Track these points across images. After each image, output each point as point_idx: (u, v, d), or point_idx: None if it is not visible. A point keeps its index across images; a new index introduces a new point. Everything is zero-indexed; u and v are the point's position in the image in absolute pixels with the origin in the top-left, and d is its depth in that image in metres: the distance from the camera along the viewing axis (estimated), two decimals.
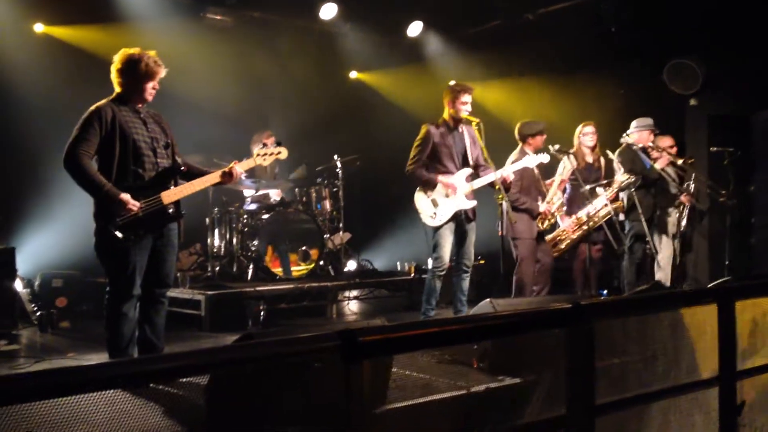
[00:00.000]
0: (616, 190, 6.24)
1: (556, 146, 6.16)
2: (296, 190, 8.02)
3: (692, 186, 6.82)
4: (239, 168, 4.31)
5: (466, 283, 5.73)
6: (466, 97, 5.65)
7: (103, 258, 4.05)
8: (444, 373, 3.85)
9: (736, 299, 3.26)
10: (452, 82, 5.81)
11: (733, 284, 3.58)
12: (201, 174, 4.27)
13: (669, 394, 3.01)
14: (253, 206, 7.66)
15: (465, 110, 5.62)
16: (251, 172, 7.97)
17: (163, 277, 4.19)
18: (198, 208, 7.71)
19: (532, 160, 5.85)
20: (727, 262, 6.81)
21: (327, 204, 7.99)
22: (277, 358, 2.16)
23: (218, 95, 8.30)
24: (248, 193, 7.78)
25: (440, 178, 5.59)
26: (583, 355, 2.66)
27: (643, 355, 2.97)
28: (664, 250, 6.69)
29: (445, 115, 5.73)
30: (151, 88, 4.13)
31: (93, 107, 4.04)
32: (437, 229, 5.61)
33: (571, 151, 6.48)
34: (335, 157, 8.00)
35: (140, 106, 4.18)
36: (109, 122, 3.97)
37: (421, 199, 5.69)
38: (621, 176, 6.27)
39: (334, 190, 8.00)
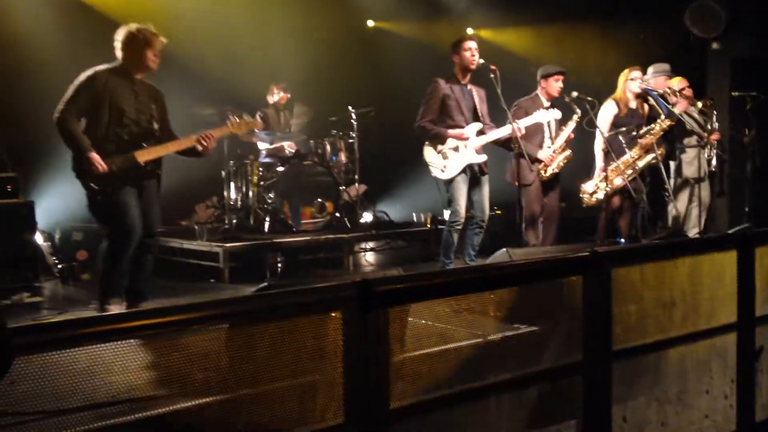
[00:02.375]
0: (653, 136, 6.02)
1: (574, 93, 6.01)
2: (311, 142, 7.98)
3: (716, 125, 6.58)
4: (214, 134, 4.59)
5: (478, 238, 5.70)
6: (469, 44, 5.54)
7: (98, 212, 4.43)
8: (461, 322, 3.87)
9: (756, 246, 3.24)
10: (460, 35, 5.72)
11: (753, 231, 3.53)
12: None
13: (687, 340, 3.02)
14: (267, 159, 7.65)
15: (473, 59, 5.52)
16: (266, 125, 7.94)
17: (149, 226, 4.51)
18: (213, 162, 7.72)
19: (545, 116, 5.73)
20: (746, 209, 6.73)
21: (342, 156, 7.95)
22: (295, 307, 2.18)
23: (232, 46, 8.22)
24: (263, 146, 7.75)
25: (449, 131, 5.51)
26: (600, 302, 2.66)
27: (661, 302, 2.96)
28: (682, 197, 6.56)
29: (455, 68, 5.65)
30: (152, 57, 4.44)
31: (89, 72, 4.37)
32: (449, 182, 5.56)
33: (614, 96, 6.29)
34: (350, 108, 7.92)
35: (140, 76, 4.49)
36: (101, 90, 4.33)
37: (430, 152, 5.62)
38: (660, 122, 6.07)
39: (350, 141, 7.94)
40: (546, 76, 6.04)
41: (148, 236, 4.51)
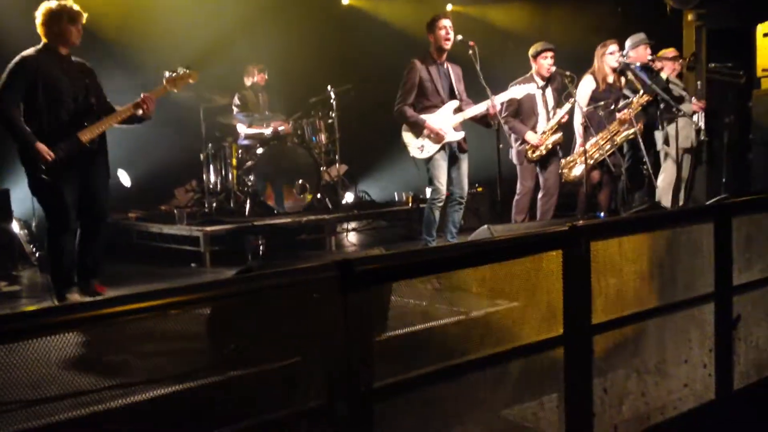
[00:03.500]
0: (631, 111, 6.02)
1: (553, 68, 6.01)
2: (291, 122, 7.93)
3: (697, 95, 6.55)
4: (152, 96, 4.53)
5: (458, 215, 5.74)
6: (443, 22, 5.51)
7: (38, 197, 4.40)
8: (443, 299, 3.89)
9: (733, 216, 3.27)
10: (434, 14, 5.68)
11: (730, 201, 3.57)
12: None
13: (665, 311, 3.05)
14: (246, 141, 7.59)
15: (447, 38, 5.50)
16: (244, 106, 7.86)
17: (97, 210, 4.53)
18: (191, 145, 7.65)
19: (519, 91, 5.73)
20: (723, 180, 6.79)
21: (322, 136, 7.90)
22: (275, 289, 2.17)
23: (204, 27, 8.11)
24: (241, 128, 7.69)
25: (428, 122, 5.50)
26: (580, 275, 2.68)
27: (640, 274, 2.99)
28: (667, 170, 6.57)
29: (430, 48, 5.63)
30: (76, 32, 4.41)
31: (18, 57, 4.33)
32: (428, 160, 5.57)
33: (592, 70, 6.29)
34: (329, 87, 7.86)
35: (66, 52, 4.44)
36: (33, 72, 4.28)
37: (407, 134, 5.62)
38: (638, 97, 6.07)
39: (329, 121, 7.89)
40: (535, 56, 6.05)
41: (98, 219, 4.55)
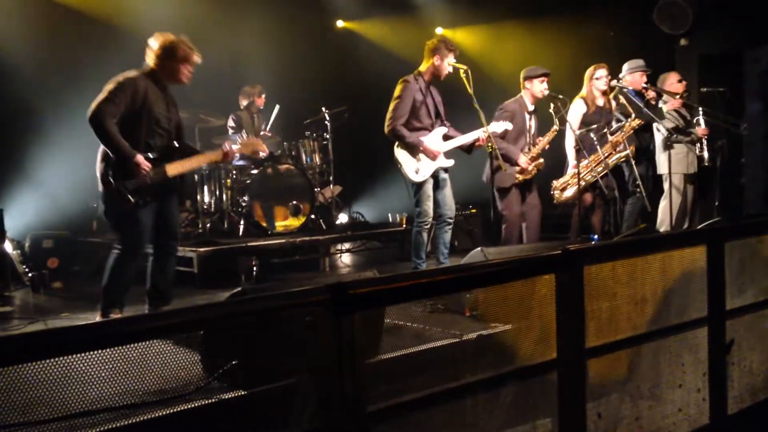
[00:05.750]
0: (623, 134, 6.06)
1: (545, 92, 6.06)
2: (285, 144, 7.95)
3: (702, 120, 6.59)
4: (235, 151, 4.85)
5: (448, 236, 5.76)
6: (452, 58, 5.59)
7: (114, 220, 4.39)
8: (436, 322, 3.88)
9: (726, 240, 3.29)
10: (442, 38, 5.72)
11: (722, 225, 3.59)
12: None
13: (659, 335, 3.05)
14: (241, 162, 7.60)
15: (448, 69, 5.60)
16: (238, 127, 7.90)
17: (172, 231, 4.58)
18: None
19: (496, 127, 5.74)
20: (716, 203, 6.82)
21: (316, 157, 7.92)
22: (268, 313, 2.17)
23: (201, 49, 8.14)
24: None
25: (425, 144, 5.55)
26: (573, 299, 2.68)
27: (633, 298, 2.99)
28: (669, 195, 6.57)
29: (424, 67, 5.66)
30: (186, 72, 4.51)
31: (128, 76, 4.31)
32: (420, 185, 5.61)
33: (582, 94, 6.36)
34: (323, 109, 7.90)
35: (168, 84, 4.52)
36: (140, 96, 4.28)
37: (403, 154, 5.64)
38: (630, 121, 6.12)
39: (323, 143, 7.91)
40: (530, 78, 6.06)
41: (170, 239, 4.58)
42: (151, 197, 4.35)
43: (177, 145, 4.55)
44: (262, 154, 7.45)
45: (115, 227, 4.44)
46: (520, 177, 6.01)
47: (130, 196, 4.24)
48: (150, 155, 4.33)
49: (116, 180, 4.23)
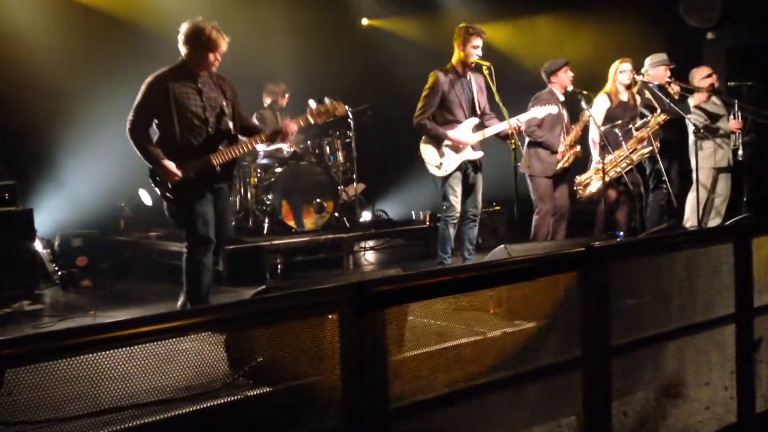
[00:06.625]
0: (648, 129, 6.01)
1: (570, 88, 6.04)
2: (309, 142, 7.98)
3: (738, 114, 6.45)
4: (293, 126, 4.54)
5: (474, 232, 5.74)
6: (478, 41, 5.49)
7: (176, 218, 4.44)
8: (460, 319, 3.87)
9: (753, 236, 3.24)
10: (463, 24, 5.64)
11: (749, 221, 3.53)
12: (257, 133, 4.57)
13: (685, 333, 3.02)
14: (265, 160, 7.65)
15: (475, 54, 5.48)
16: (262, 126, 7.94)
17: (223, 232, 4.55)
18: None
19: (540, 112, 5.73)
20: (744, 198, 6.72)
21: (340, 155, 7.95)
22: (291, 311, 2.19)
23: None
24: (260, 147, 7.74)
25: (449, 134, 5.50)
26: (598, 296, 2.67)
27: (658, 295, 2.97)
28: (702, 189, 6.48)
29: (454, 59, 5.60)
30: (213, 59, 4.34)
31: (156, 75, 4.30)
32: (445, 178, 5.57)
33: (606, 89, 6.32)
34: (346, 107, 7.89)
35: (201, 73, 4.38)
36: (168, 94, 4.24)
37: (427, 149, 5.62)
38: (656, 116, 6.06)
39: (347, 141, 7.93)
40: (555, 71, 6.10)
41: (222, 240, 4.59)
42: (200, 189, 4.33)
43: (227, 130, 4.44)
44: (286, 150, 7.58)
45: (178, 225, 4.49)
46: (559, 166, 6.01)
47: (169, 194, 4.29)
48: (191, 150, 4.29)
49: (158, 184, 4.32)
